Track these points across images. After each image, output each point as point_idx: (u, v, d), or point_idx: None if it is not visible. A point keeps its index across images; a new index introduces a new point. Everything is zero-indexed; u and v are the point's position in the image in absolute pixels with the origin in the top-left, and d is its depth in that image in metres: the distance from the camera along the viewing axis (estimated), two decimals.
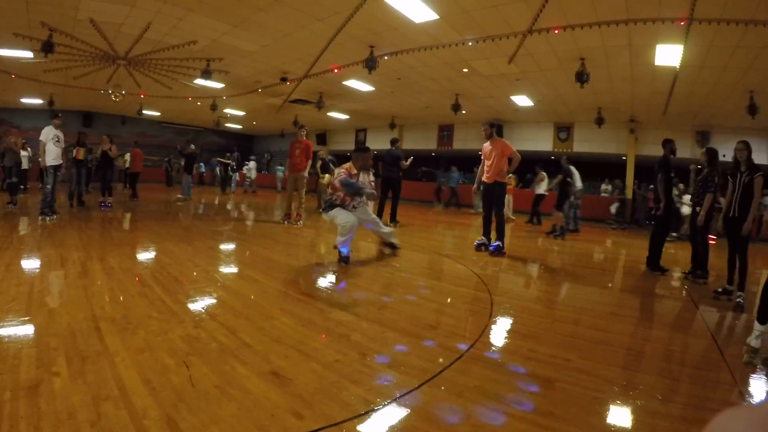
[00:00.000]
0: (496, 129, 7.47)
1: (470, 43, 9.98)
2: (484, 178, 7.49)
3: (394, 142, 10.95)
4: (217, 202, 15.60)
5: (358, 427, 2.11)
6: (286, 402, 2.27)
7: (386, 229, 6.94)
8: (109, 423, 1.97)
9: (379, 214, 9.94)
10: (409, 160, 10.48)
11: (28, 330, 3.01)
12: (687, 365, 3.27)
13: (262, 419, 2.10)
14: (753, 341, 3.28)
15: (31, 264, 5.00)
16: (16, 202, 9.96)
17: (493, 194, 7.37)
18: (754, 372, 3.08)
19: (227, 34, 10.52)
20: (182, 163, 15.68)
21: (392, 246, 7.03)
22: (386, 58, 11.29)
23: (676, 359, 3.36)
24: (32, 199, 11.62)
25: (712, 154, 6.16)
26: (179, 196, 14.63)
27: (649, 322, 4.49)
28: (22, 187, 15.21)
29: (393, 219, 10.44)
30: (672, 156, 6.70)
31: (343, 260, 5.90)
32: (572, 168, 11.08)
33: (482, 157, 7.64)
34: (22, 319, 3.19)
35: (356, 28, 9.71)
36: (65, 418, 1.98)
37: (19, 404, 2.07)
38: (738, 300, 4.91)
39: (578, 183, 11.26)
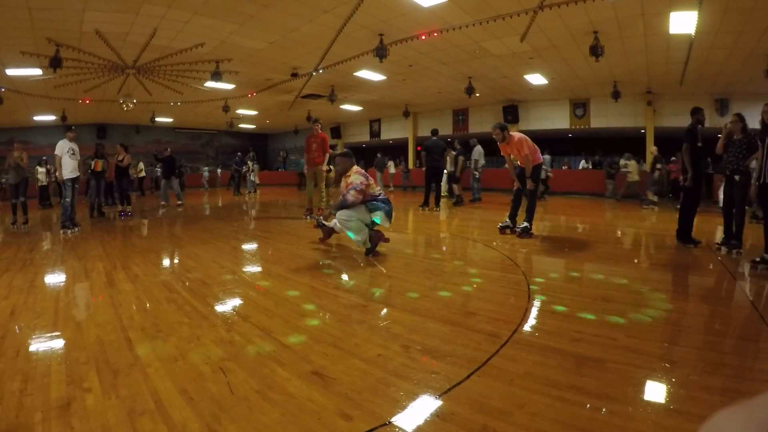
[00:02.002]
0: (507, 130, 7.30)
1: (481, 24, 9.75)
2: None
3: (435, 132, 11.64)
4: (220, 204, 15.52)
5: (411, 424, 1.97)
6: (331, 403, 2.14)
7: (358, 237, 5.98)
8: None
9: (425, 202, 11.49)
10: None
11: (56, 345, 2.93)
12: (729, 336, 3.14)
13: (308, 423, 1.97)
14: None
15: (55, 278, 4.96)
16: (26, 221, 9.31)
17: (529, 175, 7.20)
18: None
19: (234, 33, 10.43)
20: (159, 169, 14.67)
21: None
22: (400, 44, 11.10)
23: (718, 331, 3.24)
24: (55, 213, 11.70)
25: (743, 119, 5.93)
26: (162, 203, 14.10)
27: (688, 296, 4.35)
28: (47, 202, 15.44)
29: (437, 204, 11.48)
30: (700, 126, 6.45)
31: (370, 253, 5.77)
32: (477, 147, 13.90)
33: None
34: (50, 334, 3.12)
35: (364, 16, 9.55)
36: None
37: (51, 425, 1.97)
38: None
39: (482, 160, 14.00)
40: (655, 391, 2.28)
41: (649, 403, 2.16)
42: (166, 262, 5.88)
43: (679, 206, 6.83)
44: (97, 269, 5.22)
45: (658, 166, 13.67)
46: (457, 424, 1.97)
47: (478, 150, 13.93)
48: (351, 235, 5.74)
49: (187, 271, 5.14)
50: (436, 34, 10.51)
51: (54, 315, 3.56)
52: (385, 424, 1.96)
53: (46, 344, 2.94)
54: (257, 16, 9.45)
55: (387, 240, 6.03)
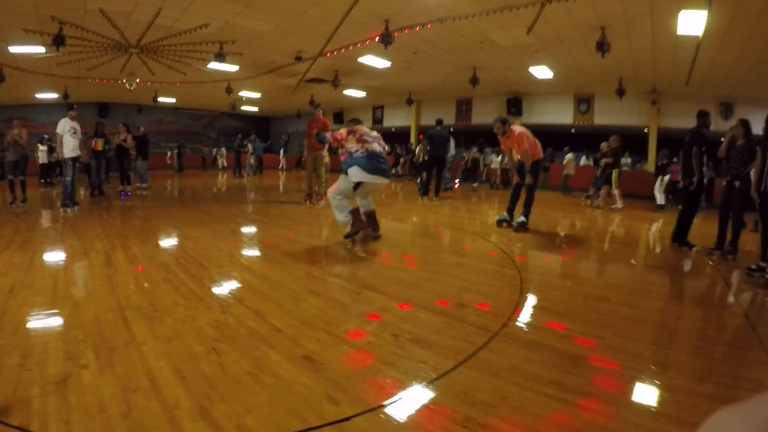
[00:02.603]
0: (508, 124, 7.30)
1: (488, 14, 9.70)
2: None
3: (440, 122, 11.81)
4: (222, 186, 15.53)
5: (396, 411, 2.04)
6: (320, 387, 2.21)
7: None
8: (140, 415, 1.93)
9: (426, 191, 11.62)
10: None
11: (54, 323, 2.99)
12: (720, 343, 3.13)
13: (296, 406, 2.04)
14: None
15: (54, 256, 5.01)
16: (24, 199, 9.09)
17: (528, 170, 7.22)
18: None
19: (239, 15, 10.36)
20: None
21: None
22: (406, 31, 11.05)
23: (709, 337, 3.23)
24: (56, 191, 11.74)
25: (747, 125, 5.93)
26: (139, 185, 13.05)
27: (680, 299, 4.37)
28: (46, 180, 15.41)
29: (437, 193, 11.55)
30: (705, 129, 6.45)
31: (349, 237, 5.80)
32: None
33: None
34: (48, 312, 3.18)
35: (370, 2, 9.49)
36: (96, 412, 1.94)
37: (48, 399, 2.03)
38: None
39: (452, 150, 13.99)
40: (639, 393, 2.32)
41: (631, 403, 2.21)
42: (164, 243, 5.93)
43: (680, 207, 6.81)
44: (96, 248, 5.27)
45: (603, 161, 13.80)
46: (440, 413, 2.03)
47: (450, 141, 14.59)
48: (335, 214, 5.78)
49: (186, 252, 5.19)
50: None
51: (53, 293, 3.62)
52: (371, 410, 2.02)
53: (44, 321, 3.00)
54: None
55: (376, 235, 6.01)
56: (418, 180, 13.55)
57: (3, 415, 1.90)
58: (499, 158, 17.30)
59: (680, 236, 6.54)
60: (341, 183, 5.68)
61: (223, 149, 26.15)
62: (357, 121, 6.12)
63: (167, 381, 2.21)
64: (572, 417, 2.04)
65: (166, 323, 2.97)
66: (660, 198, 12.54)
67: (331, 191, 5.76)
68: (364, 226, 5.87)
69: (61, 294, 3.61)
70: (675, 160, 13.04)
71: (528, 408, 2.09)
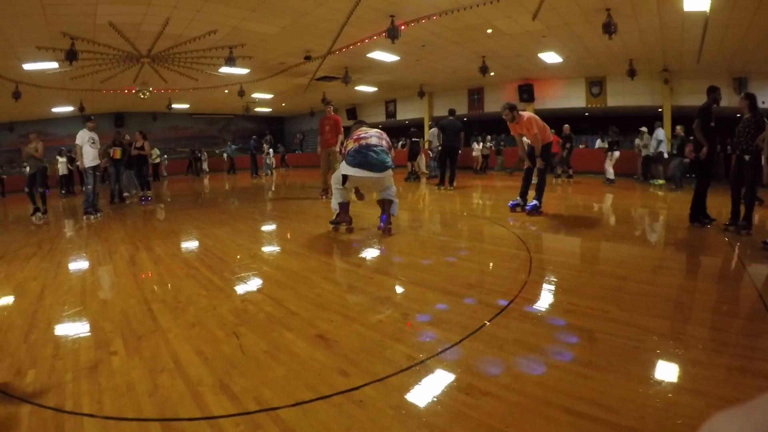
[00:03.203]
0: (516, 110, 7.39)
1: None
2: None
3: (452, 112, 11.86)
4: (236, 186, 15.77)
5: (402, 381, 2.17)
6: (332, 362, 2.36)
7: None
8: (166, 392, 2.11)
9: (441, 181, 11.78)
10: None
11: (84, 317, 3.21)
12: (727, 314, 3.16)
13: (310, 379, 2.20)
14: None
15: (80, 259, 5.27)
16: (44, 211, 9.45)
17: (538, 154, 7.32)
18: None
19: (246, 19, 10.56)
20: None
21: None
22: (411, 25, 11.12)
23: (716, 309, 3.25)
24: (77, 201, 12.07)
25: (752, 98, 5.92)
26: (126, 194, 12.27)
27: (690, 274, 4.38)
28: (67, 190, 15.84)
29: (451, 183, 11.59)
30: (715, 105, 6.42)
31: (331, 223, 6.20)
32: (432, 130, 15.18)
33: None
34: (78, 308, 3.40)
35: None
36: (125, 391, 2.13)
37: (80, 383, 2.23)
38: None
39: (435, 141, 14.58)
40: (639, 361, 2.37)
41: (630, 371, 2.26)
42: (186, 242, 6.16)
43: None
44: (120, 251, 5.50)
45: (567, 144, 14.83)
46: (444, 382, 2.17)
47: (432, 132, 15.36)
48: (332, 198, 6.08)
49: (207, 249, 5.40)
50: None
51: (81, 291, 3.85)
52: (379, 380, 2.17)
53: (74, 317, 3.22)
54: (268, 1, 9.56)
55: (349, 227, 6.15)
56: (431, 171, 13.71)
57: (39, 398, 2.10)
58: (480, 146, 19.33)
59: (696, 212, 6.42)
60: (336, 177, 5.94)
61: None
62: (361, 123, 6.31)
63: (190, 362, 2.39)
64: (571, 384, 2.13)
65: (189, 312, 3.16)
66: (610, 173, 13.76)
67: (332, 178, 6.08)
68: (346, 220, 6.08)
69: (89, 292, 3.83)
70: (692, 138, 12.95)
71: (528, 376, 2.21)
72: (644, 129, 14.44)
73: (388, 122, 25.38)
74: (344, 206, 6.01)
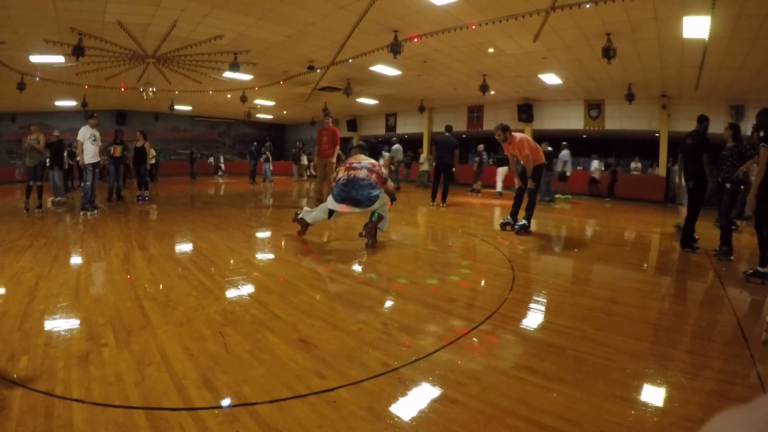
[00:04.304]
0: (509, 131, 7.59)
1: (494, 23, 9.94)
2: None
3: (449, 129, 11.84)
4: (233, 192, 15.86)
5: (375, 386, 2.30)
6: (310, 364, 2.49)
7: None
8: (152, 383, 2.23)
9: (433, 197, 11.65)
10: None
11: (77, 310, 3.32)
12: (701, 338, 3.23)
13: (288, 379, 2.33)
14: None
15: (76, 254, 5.38)
16: (40, 205, 9.28)
17: (530, 175, 7.43)
18: None
19: (252, 27, 10.75)
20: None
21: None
22: (415, 41, 11.32)
23: (691, 332, 3.33)
24: (75, 196, 12.17)
25: (736, 128, 6.11)
26: (53, 198, 10.92)
27: (670, 297, 4.46)
28: (67, 186, 15.85)
29: (444, 200, 11.45)
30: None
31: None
32: (396, 146, 17.72)
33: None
34: (72, 301, 3.51)
35: (378, 13, 9.80)
36: (113, 381, 2.25)
37: (71, 370, 2.35)
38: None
39: (398, 156, 17.85)
40: (607, 379, 2.44)
41: (596, 388, 2.34)
42: (180, 243, 6.27)
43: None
44: (114, 248, 5.62)
45: (476, 159, 16.94)
46: (415, 389, 2.29)
47: (395, 148, 17.70)
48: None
49: (200, 252, 5.53)
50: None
51: (75, 285, 3.97)
52: (352, 384, 2.30)
53: (68, 309, 3.33)
54: (275, 10, 9.75)
55: (302, 232, 6.50)
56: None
57: (31, 383, 2.21)
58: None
59: (685, 238, 6.52)
60: (324, 203, 6.10)
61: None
62: (360, 149, 6.43)
63: (177, 357, 2.52)
64: (536, 397, 2.24)
65: (178, 311, 3.30)
66: (499, 186, 15.76)
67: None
68: (307, 228, 6.46)
69: (83, 286, 3.95)
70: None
71: (496, 387, 2.33)
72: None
73: (388, 135, 25.56)
74: (307, 226, 6.41)
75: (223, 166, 26.98)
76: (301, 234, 6.43)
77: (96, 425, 1.89)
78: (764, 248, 4.82)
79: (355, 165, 5.96)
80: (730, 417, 0.44)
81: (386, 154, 17.60)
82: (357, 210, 5.82)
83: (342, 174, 5.94)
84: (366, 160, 6.09)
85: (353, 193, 5.73)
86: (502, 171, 15.65)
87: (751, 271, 4.93)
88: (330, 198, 5.91)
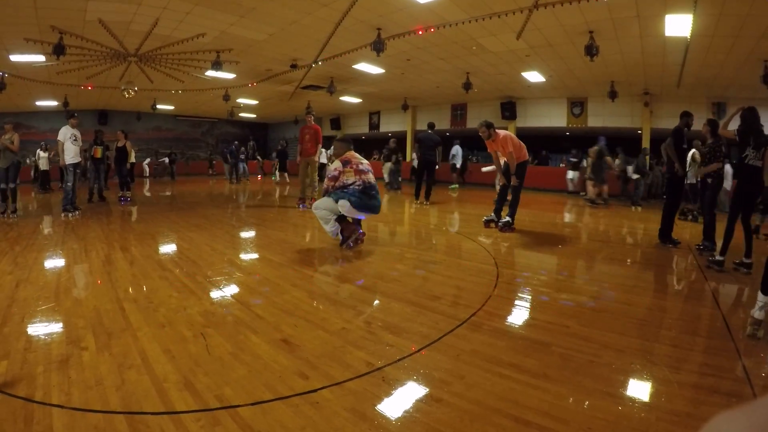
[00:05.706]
0: (493, 128, 7.61)
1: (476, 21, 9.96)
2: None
3: (431, 126, 11.84)
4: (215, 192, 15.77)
5: (358, 386, 2.28)
6: (293, 365, 2.47)
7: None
8: (132, 387, 2.20)
9: (416, 194, 11.57)
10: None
11: (57, 313, 3.26)
12: (686, 332, 3.23)
13: (270, 380, 2.31)
14: (756, 313, 3.17)
15: (57, 256, 5.28)
16: (15, 209, 8.50)
17: (513, 172, 7.44)
18: (756, 344, 2.98)
19: (234, 25, 10.65)
20: None
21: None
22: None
23: (676, 327, 3.34)
24: (54, 198, 11.99)
25: (713, 124, 6.19)
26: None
27: (653, 292, 4.48)
28: (47, 187, 15.58)
29: (427, 198, 11.42)
30: (687, 128, 6.68)
31: (343, 244, 5.81)
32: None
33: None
34: (52, 303, 3.45)
35: (361, 11, 9.76)
36: (93, 385, 2.21)
37: (51, 375, 2.31)
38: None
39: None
40: (592, 375, 2.45)
41: (582, 384, 2.34)
42: (161, 244, 6.20)
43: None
44: (96, 249, 5.53)
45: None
46: (399, 389, 2.29)
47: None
48: (322, 225, 5.85)
49: (181, 252, 5.48)
50: (432, 30, 10.70)
51: (56, 287, 3.90)
52: (336, 384, 2.28)
53: (48, 312, 3.27)
54: (257, 8, 9.67)
55: (360, 237, 5.95)
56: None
57: (10, 388, 2.17)
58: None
59: (664, 233, 6.65)
60: (327, 205, 5.68)
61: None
62: (348, 143, 6.13)
63: (158, 359, 2.49)
64: (522, 394, 2.24)
65: (159, 313, 3.25)
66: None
67: (316, 205, 5.81)
68: (354, 229, 5.85)
69: (63, 288, 3.89)
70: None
71: (481, 385, 2.33)
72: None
73: (371, 134, 25.54)
74: (342, 218, 5.78)
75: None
76: (358, 233, 5.89)
77: (76, 431, 1.86)
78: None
79: (362, 168, 5.75)
80: (730, 417, 0.43)
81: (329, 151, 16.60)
82: (369, 215, 5.83)
83: (354, 178, 5.66)
84: (365, 160, 5.99)
85: (373, 201, 5.70)
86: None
87: (738, 261, 5.13)
88: (347, 205, 5.51)
